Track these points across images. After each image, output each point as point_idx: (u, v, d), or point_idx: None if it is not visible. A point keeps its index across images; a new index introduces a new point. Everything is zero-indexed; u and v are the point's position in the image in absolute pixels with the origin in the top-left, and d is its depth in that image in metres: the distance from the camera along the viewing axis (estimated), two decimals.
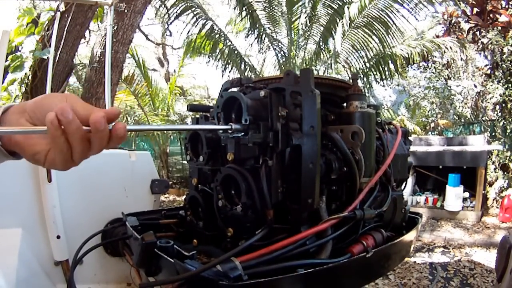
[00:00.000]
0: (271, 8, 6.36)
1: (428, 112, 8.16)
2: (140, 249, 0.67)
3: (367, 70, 6.21)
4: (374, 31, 5.78)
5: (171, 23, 6.41)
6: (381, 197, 0.80)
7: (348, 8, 5.49)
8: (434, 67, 7.76)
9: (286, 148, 0.67)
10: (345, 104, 0.80)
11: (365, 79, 6.21)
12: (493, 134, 6.71)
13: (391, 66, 6.20)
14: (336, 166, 0.70)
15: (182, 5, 5.63)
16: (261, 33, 6.40)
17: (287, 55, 6.50)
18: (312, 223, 0.66)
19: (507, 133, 6.48)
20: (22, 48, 4.06)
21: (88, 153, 0.48)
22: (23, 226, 0.96)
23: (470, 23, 7.03)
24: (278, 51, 6.58)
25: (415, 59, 6.36)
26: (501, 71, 6.45)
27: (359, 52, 6.16)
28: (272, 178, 0.66)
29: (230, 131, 0.62)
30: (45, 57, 3.56)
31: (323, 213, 0.68)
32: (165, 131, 8.60)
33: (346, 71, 6.40)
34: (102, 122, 0.45)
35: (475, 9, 6.96)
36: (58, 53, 4.17)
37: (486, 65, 7.05)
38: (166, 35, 13.20)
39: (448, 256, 4.23)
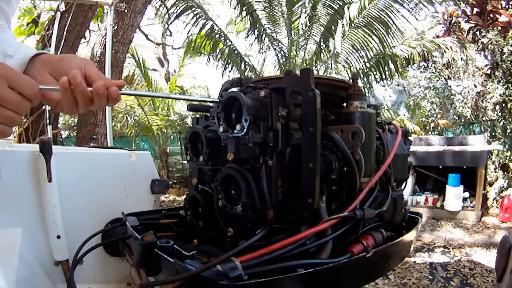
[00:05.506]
0: (271, 8, 6.35)
1: (428, 112, 8.16)
2: (140, 249, 0.67)
3: (367, 70, 6.21)
4: (374, 31, 5.78)
5: (171, 23, 6.40)
6: (381, 197, 0.80)
7: (348, 8, 5.48)
8: (434, 67, 7.76)
9: (286, 148, 0.67)
10: (345, 104, 0.80)
11: (365, 79, 6.20)
12: (493, 134, 6.71)
13: (391, 66, 6.19)
14: (336, 166, 0.70)
15: (182, 5, 5.63)
16: (261, 33, 6.39)
17: (287, 55, 6.49)
18: (312, 223, 0.66)
19: (507, 133, 6.47)
20: None
21: (89, 107, 0.64)
22: (23, 226, 0.96)
23: (470, 23, 7.02)
24: (278, 51, 6.57)
25: (415, 59, 6.36)
26: (501, 71, 6.45)
27: (359, 52, 6.15)
28: (272, 178, 0.66)
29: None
30: None
31: (323, 213, 0.67)
32: (165, 130, 8.59)
33: (346, 71, 6.39)
34: (102, 88, 0.61)
35: (475, 9, 6.95)
36: (59, 53, 4.18)
37: (486, 65, 7.04)
38: (166, 35, 13.21)
39: (448, 256, 4.23)
